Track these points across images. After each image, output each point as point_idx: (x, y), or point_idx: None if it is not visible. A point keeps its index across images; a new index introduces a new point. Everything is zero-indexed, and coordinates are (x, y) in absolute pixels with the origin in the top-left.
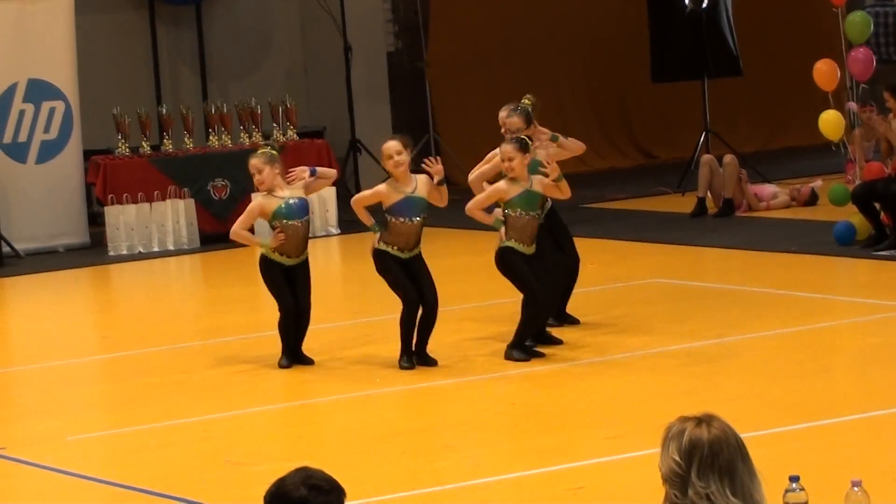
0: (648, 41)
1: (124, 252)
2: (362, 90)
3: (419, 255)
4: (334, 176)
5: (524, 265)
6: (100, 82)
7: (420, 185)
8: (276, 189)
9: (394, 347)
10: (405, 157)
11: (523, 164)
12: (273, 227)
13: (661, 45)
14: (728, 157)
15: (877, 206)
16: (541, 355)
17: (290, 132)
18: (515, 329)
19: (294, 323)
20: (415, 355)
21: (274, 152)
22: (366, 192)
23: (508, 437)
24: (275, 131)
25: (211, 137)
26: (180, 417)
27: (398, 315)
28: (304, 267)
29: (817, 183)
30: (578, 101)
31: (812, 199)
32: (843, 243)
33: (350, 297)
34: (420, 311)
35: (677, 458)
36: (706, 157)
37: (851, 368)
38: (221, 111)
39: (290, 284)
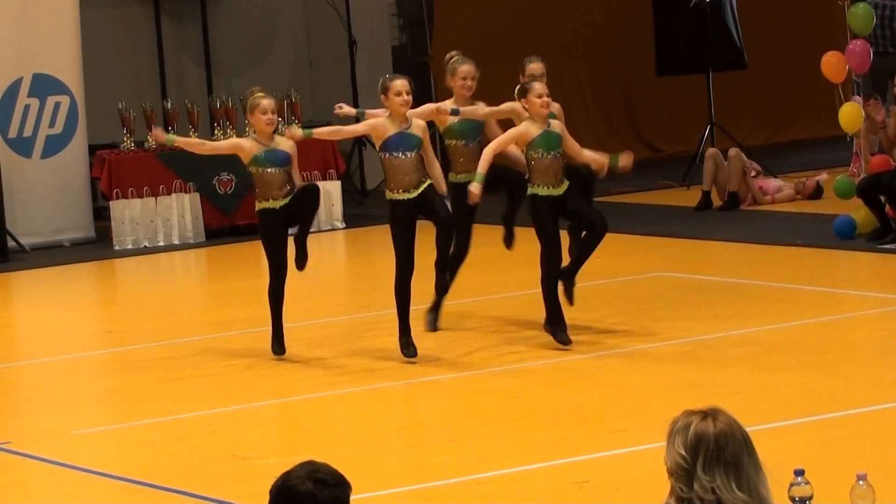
0: (653, 34)
1: (129, 246)
2: (367, 84)
3: (430, 188)
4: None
5: (549, 218)
6: (105, 77)
7: (415, 125)
8: (265, 137)
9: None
10: (410, 99)
11: None
12: (251, 174)
13: (665, 38)
14: (733, 151)
15: (882, 199)
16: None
17: (294, 125)
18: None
19: (283, 290)
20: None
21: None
22: (358, 126)
23: (513, 430)
24: (280, 125)
25: (216, 132)
26: (185, 412)
27: None
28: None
29: (822, 176)
30: (583, 94)
31: (817, 193)
32: (844, 237)
33: (355, 292)
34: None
35: (683, 452)
36: (711, 151)
37: (857, 361)
38: (226, 105)
39: (286, 236)
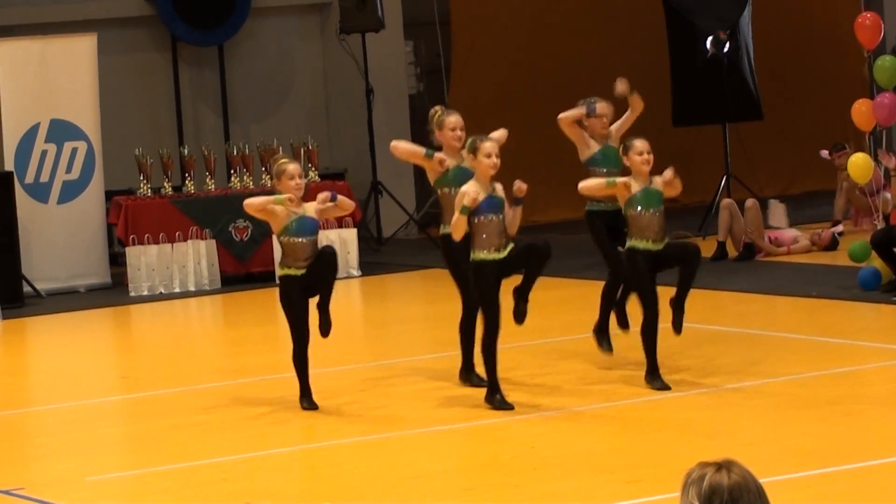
0: (670, 84)
1: (145, 293)
2: (384, 132)
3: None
4: (352, 208)
5: (646, 274)
6: (122, 123)
7: (498, 188)
8: (295, 204)
9: (415, 389)
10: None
11: None
12: (280, 242)
13: (682, 88)
14: (750, 202)
15: None
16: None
17: (311, 174)
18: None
19: (307, 354)
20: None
21: None
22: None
23: (527, 480)
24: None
25: (233, 179)
26: (200, 459)
27: (419, 357)
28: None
29: (838, 228)
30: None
31: (833, 244)
32: (869, 288)
33: (371, 339)
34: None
35: None
36: (726, 202)
37: (874, 413)
38: (243, 152)
39: (307, 305)
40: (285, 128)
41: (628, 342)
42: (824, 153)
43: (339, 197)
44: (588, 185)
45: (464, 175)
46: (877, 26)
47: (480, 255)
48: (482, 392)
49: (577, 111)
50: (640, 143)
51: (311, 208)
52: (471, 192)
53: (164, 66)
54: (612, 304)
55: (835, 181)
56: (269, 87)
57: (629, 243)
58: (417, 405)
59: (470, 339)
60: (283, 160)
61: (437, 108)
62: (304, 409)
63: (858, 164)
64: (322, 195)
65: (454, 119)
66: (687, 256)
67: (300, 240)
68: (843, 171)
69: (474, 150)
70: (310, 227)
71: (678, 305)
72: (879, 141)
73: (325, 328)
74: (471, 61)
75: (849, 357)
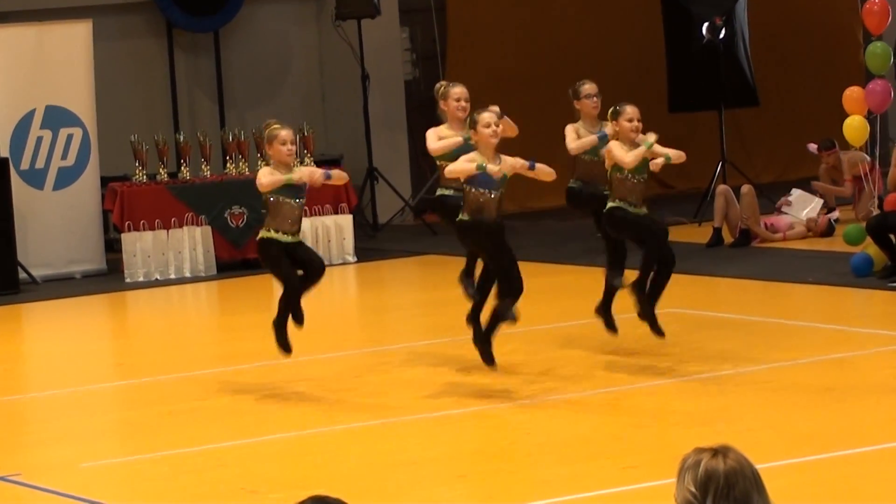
0: (665, 70)
1: (141, 279)
2: (379, 119)
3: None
4: (345, 179)
5: (635, 223)
6: (118, 109)
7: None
8: (285, 168)
9: (410, 375)
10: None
11: None
12: (266, 200)
13: (678, 74)
14: (746, 188)
15: (892, 237)
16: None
17: (307, 160)
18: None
19: (298, 295)
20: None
21: None
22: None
23: (522, 466)
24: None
25: (228, 165)
26: (195, 445)
27: (414, 343)
28: (302, 245)
29: (834, 214)
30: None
31: (829, 230)
32: (861, 275)
33: (366, 326)
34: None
35: (693, 490)
36: (722, 188)
37: (868, 399)
38: (239, 139)
39: (292, 260)
40: (281, 114)
41: (622, 330)
42: (812, 147)
43: (332, 172)
44: (581, 143)
45: (468, 149)
46: (884, 12)
47: (466, 217)
48: (478, 378)
49: (588, 140)
50: (630, 110)
51: (303, 171)
52: (478, 159)
53: (159, 52)
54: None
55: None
56: (265, 73)
57: (611, 204)
58: (412, 392)
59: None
60: (275, 125)
61: (443, 81)
62: (282, 348)
63: (854, 127)
64: (317, 172)
65: (458, 90)
66: (668, 260)
67: (289, 201)
68: (829, 166)
69: (474, 124)
70: (302, 189)
71: (650, 312)
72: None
73: (298, 318)
74: (466, 47)
75: (844, 343)
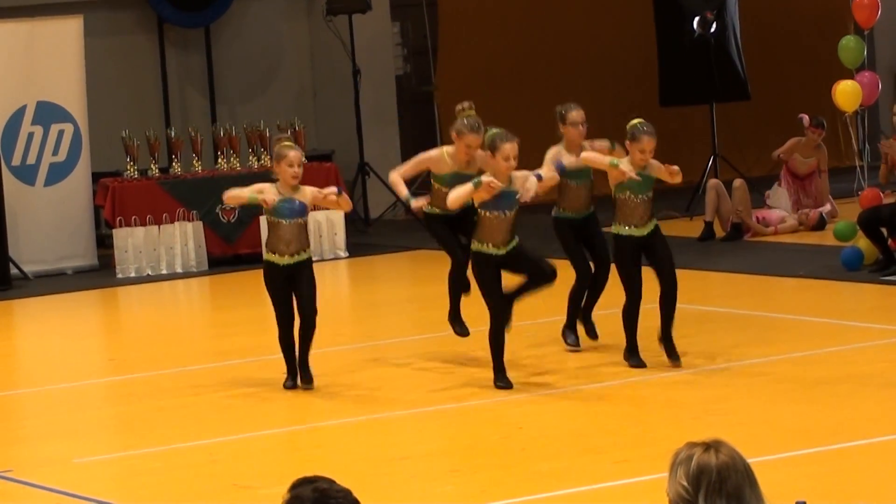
0: (657, 65)
1: (132, 274)
2: (371, 113)
3: (517, 246)
4: (349, 208)
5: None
6: (109, 105)
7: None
8: (287, 189)
9: (402, 370)
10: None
11: None
12: (266, 219)
13: (669, 68)
14: (738, 182)
15: (883, 231)
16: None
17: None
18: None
19: (291, 335)
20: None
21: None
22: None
23: (515, 461)
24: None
25: (220, 160)
26: (187, 440)
27: (406, 338)
28: (305, 269)
29: (825, 207)
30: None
31: (820, 224)
32: (851, 269)
33: (358, 321)
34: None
35: (685, 484)
36: (713, 182)
37: (860, 393)
38: (230, 134)
39: (290, 289)
40: (272, 109)
41: (615, 324)
42: (805, 118)
43: (344, 196)
44: (590, 157)
45: (461, 180)
46: (874, 5)
47: (480, 247)
48: (470, 373)
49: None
50: (646, 139)
51: (307, 193)
52: (494, 184)
53: (150, 47)
54: (578, 307)
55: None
56: (256, 68)
57: (614, 228)
58: (404, 386)
59: (455, 290)
60: (286, 143)
61: (466, 105)
62: (287, 388)
63: (847, 92)
64: (330, 189)
65: (510, 147)
66: (671, 288)
67: (284, 221)
68: (817, 147)
69: (493, 149)
70: (297, 210)
71: (667, 337)
72: (863, 119)
73: (306, 380)
74: (458, 42)
75: (836, 337)
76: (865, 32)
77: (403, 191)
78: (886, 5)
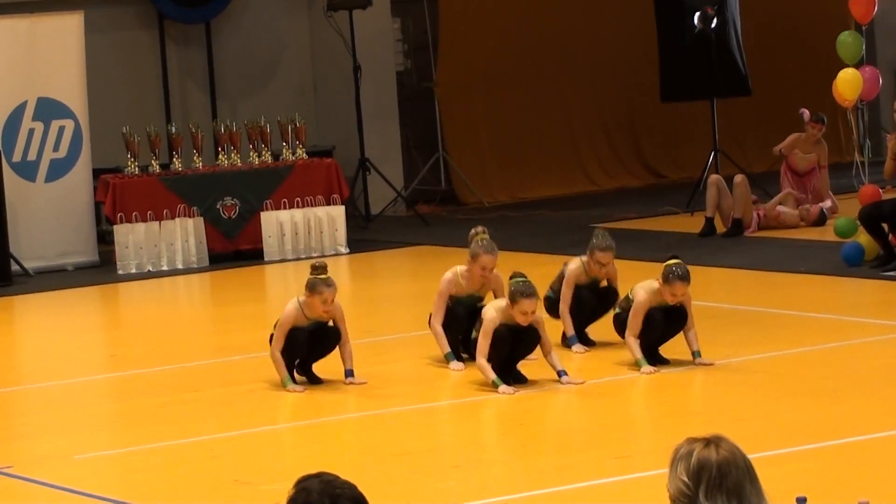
0: (657, 61)
1: (133, 270)
2: (371, 109)
3: None
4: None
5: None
6: (109, 101)
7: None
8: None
9: (403, 366)
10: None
11: None
12: None
13: (670, 64)
14: (739, 178)
15: (884, 226)
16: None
17: (299, 151)
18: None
19: (296, 353)
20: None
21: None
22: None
23: (517, 456)
24: (284, 150)
25: (220, 156)
26: (189, 436)
27: (407, 334)
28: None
29: (826, 203)
30: (587, 120)
31: (821, 220)
32: (852, 264)
33: (359, 316)
34: None
35: (685, 479)
36: (714, 178)
37: (860, 389)
38: (231, 130)
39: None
40: (273, 105)
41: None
42: (805, 113)
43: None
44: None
45: (473, 300)
46: (871, 1)
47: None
48: (471, 369)
49: None
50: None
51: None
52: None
53: (151, 43)
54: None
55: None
56: (257, 64)
57: None
58: (405, 382)
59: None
60: (323, 276)
61: (480, 229)
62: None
63: (847, 80)
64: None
65: (489, 259)
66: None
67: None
68: (817, 142)
69: (475, 256)
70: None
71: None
72: (863, 114)
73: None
74: (458, 38)
75: (838, 333)
76: (864, 28)
77: (446, 346)
78: (885, 1)
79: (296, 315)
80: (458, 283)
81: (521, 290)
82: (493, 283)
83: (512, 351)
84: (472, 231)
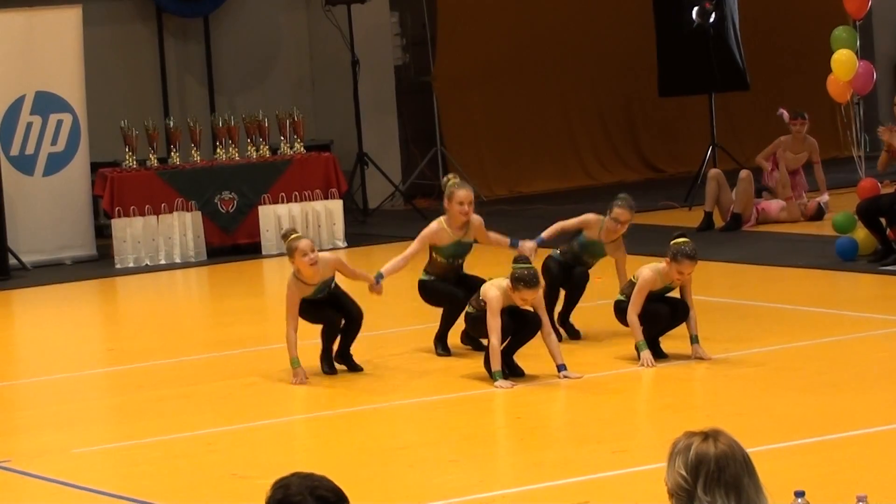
0: (656, 55)
1: (131, 265)
2: (370, 103)
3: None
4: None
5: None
6: (107, 94)
7: (470, 230)
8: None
9: (401, 360)
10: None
11: None
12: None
13: (668, 59)
14: (744, 173)
15: (882, 221)
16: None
17: (297, 145)
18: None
19: (337, 330)
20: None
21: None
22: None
23: (514, 450)
24: (282, 144)
25: (218, 150)
26: (186, 430)
27: (405, 328)
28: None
29: (823, 198)
30: (586, 115)
31: (818, 214)
32: (846, 258)
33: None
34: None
35: (683, 473)
36: (713, 172)
37: (858, 383)
38: (229, 124)
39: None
40: (271, 99)
41: (608, 318)
42: (784, 114)
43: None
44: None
45: (462, 249)
46: None
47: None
48: (468, 364)
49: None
50: (462, 194)
51: (326, 272)
52: (503, 385)
53: (149, 37)
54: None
55: (822, 150)
56: (255, 58)
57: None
58: (404, 376)
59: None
60: (293, 236)
61: (451, 176)
62: (325, 373)
63: (842, 61)
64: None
65: (464, 193)
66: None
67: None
68: (804, 138)
69: (450, 196)
70: (328, 286)
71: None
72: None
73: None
74: (456, 32)
75: (836, 327)
76: (858, 23)
77: (402, 261)
78: None
79: (297, 289)
80: (443, 230)
81: (525, 280)
82: (475, 230)
83: (514, 336)
84: (444, 179)
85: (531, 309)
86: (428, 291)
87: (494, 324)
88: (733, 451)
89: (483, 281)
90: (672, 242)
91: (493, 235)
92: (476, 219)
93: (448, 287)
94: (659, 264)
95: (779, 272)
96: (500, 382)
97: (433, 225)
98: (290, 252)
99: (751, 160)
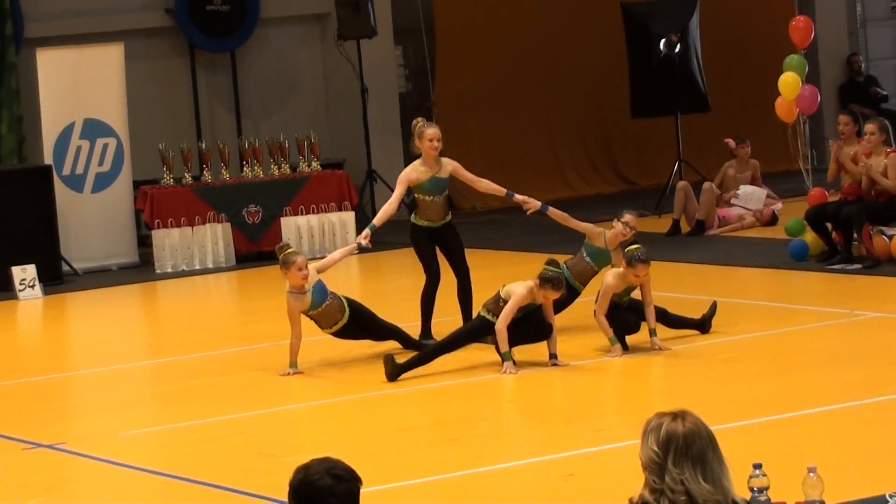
0: (628, 82)
1: (169, 270)
2: (377, 126)
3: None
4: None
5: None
6: (147, 121)
7: (444, 168)
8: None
9: (406, 352)
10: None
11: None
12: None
13: (639, 85)
14: (707, 185)
15: (828, 226)
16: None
17: (314, 163)
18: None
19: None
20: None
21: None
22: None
23: (507, 430)
24: (301, 163)
25: (245, 168)
26: (219, 415)
27: (412, 323)
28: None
29: (777, 205)
30: (567, 135)
31: (773, 220)
32: (798, 259)
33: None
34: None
35: (655, 449)
36: (682, 184)
37: (809, 368)
38: (254, 145)
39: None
40: (291, 123)
41: (591, 310)
42: (730, 142)
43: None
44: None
45: (439, 184)
46: (808, 28)
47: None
48: (466, 353)
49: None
50: (431, 132)
51: (314, 278)
52: (511, 370)
53: (183, 70)
54: (430, 308)
55: (774, 164)
56: (276, 87)
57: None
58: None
59: (428, 309)
60: (289, 251)
61: (419, 119)
62: (419, 344)
63: (788, 83)
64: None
65: (432, 131)
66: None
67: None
68: (747, 161)
69: (420, 134)
70: (320, 293)
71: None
72: (806, 128)
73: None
74: (453, 63)
75: (789, 319)
76: (803, 52)
77: (387, 213)
78: (825, 29)
79: (296, 301)
80: (417, 169)
81: (552, 281)
82: (451, 168)
83: (522, 334)
84: (413, 122)
85: (551, 309)
86: (416, 240)
87: (510, 311)
88: (699, 428)
89: (464, 259)
90: (626, 250)
91: (487, 183)
92: (450, 161)
93: (431, 257)
94: (619, 269)
95: (738, 271)
96: (507, 365)
97: (408, 168)
98: (287, 265)
99: (712, 173)
